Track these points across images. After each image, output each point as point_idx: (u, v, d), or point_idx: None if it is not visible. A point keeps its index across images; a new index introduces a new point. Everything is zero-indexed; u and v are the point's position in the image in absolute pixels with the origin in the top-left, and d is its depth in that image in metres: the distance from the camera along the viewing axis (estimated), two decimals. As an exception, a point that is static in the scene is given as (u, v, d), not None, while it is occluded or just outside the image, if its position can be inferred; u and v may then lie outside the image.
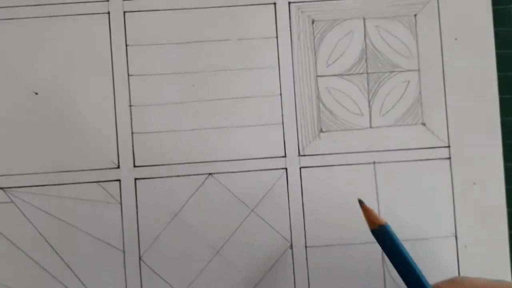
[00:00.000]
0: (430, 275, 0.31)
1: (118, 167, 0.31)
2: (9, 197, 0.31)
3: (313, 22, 0.32)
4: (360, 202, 0.29)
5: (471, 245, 0.31)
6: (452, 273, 0.31)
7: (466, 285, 0.25)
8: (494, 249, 0.31)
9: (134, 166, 0.31)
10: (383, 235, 0.27)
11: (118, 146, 0.31)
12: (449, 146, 0.32)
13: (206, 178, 0.31)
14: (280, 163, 0.31)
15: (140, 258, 0.31)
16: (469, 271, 0.31)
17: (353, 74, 0.32)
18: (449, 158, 0.32)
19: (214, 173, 0.31)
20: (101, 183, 0.31)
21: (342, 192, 0.31)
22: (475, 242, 0.31)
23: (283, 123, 0.32)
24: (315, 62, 0.32)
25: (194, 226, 0.31)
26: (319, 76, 0.32)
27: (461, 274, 0.31)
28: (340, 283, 0.31)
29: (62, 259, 0.31)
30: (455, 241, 0.31)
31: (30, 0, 0.31)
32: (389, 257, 0.26)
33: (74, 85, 0.31)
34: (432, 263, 0.31)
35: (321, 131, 0.32)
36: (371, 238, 0.31)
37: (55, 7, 0.31)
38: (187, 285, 0.31)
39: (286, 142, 0.32)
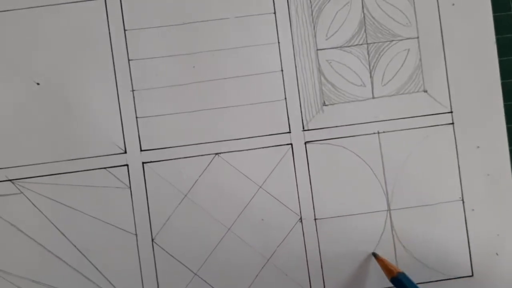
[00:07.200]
0: (440, 240, 0.32)
1: (125, 152, 0.31)
2: (18, 189, 0.31)
3: (310, -5, 0.32)
4: (375, 255, 0.30)
5: (478, 208, 0.32)
6: (461, 236, 0.31)
7: None
8: (500, 211, 0.32)
9: (141, 150, 0.31)
10: (402, 281, 0.28)
11: (123, 131, 0.31)
12: (451, 112, 0.32)
13: (213, 158, 0.31)
14: (285, 139, 0.32)
15: (152, 240, 0.31)
16: (477, 233, 0.32)
17: (353, 45, 0.32)
18: (452, 123, 0.32)
19: (220, 153, 0.31)
20: (109, 169, 0.31)
21: (348, 164, 0.32)
22: (482, 205, 0.32)
23: (286, 99, 0.32)
24: (315, 36, 0.32)
25: (204, 206, 0.31)
26: (319, 49, 0.32)
27: (470, 236, 0.32)
28: (350, 252, 0.31)
29: (75, 246, 0.31)
30: (462, 205, 0.32)
31: (26, -11, 0.31)
32: None
33: (75, 73, 0.31)
34: (441, 228, 0.32)
35: (324, 104, 0.32)
36: (377, 207, 0.32)
37: (51, -5, 0.31)
38: (200, 264, 0.31)
39: (290, 117, 0.32)
